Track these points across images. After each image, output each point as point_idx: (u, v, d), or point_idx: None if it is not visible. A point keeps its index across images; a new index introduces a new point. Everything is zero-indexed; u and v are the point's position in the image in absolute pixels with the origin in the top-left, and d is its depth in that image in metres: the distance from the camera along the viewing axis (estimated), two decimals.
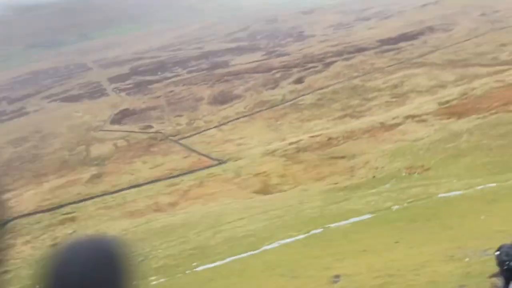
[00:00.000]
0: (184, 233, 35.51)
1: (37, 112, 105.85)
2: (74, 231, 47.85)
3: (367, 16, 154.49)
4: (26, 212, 55.16)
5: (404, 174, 39.62)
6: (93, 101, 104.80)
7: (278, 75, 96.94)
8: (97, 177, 62.67)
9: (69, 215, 53.05)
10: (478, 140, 42.60)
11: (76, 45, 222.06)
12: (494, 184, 25.88)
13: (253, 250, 22.88)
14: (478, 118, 49.42)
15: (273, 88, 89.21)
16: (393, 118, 59.25)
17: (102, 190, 57.73)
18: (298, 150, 56.97)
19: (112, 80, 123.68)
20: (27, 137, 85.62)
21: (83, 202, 55.47)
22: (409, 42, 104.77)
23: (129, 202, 52.44)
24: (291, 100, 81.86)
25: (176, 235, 35.44)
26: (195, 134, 73.71)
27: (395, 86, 76.80)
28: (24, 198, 60.16)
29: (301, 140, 60.79)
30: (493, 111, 50.07)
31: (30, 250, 44.95)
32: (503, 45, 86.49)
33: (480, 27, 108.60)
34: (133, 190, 56.35)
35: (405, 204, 25.69)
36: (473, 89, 63.18)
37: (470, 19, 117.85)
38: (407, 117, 58.19)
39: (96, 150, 72.60)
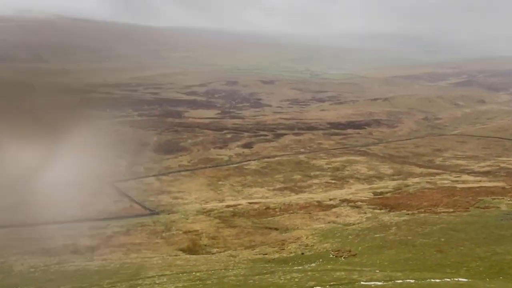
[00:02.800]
0: (98, 281, 33.04)
1: None
2: None
3: (322, 98, 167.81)
4: None
5: (331, 255, 39.75)
6: None
7: (228, 135, 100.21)
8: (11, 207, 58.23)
9: None
10: (404, 235, 42.98)
11: (29, 64, 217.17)
12: (412, 281, 26.20)
13: None
14: (408, 214, 51.39)
15: (221, 148, 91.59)
16: (330, 199, 61.38)
17: (20, 220, 54.34)
18: (234, 214, 57.50)
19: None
20: None
21: None
22: (356, 130, 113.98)
23: (46, 237, 49.36)
24: (236, 163, 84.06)
25: (88, 281, 33.12)
26: (132, 179, 72.69)
27: (337, 169, 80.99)
28: None
29: (239, 204, 61.82)
30: (421, 210, 52.24)
31: None
32: (439, 150, 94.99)
33: (421, 129, 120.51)
34: (54, 226, 53.52)
35: (327, 287, 25.78)
36: (407, 185, 67.39)
37: (413, 121, 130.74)
38: (343, 200, 60.28)
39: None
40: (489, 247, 36.91)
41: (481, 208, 49.32)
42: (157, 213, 58.81)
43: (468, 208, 49.62)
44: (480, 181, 67.61)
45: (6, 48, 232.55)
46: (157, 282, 30.87)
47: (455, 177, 71.77)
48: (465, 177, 72.19)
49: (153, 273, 34.31)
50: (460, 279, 27.02)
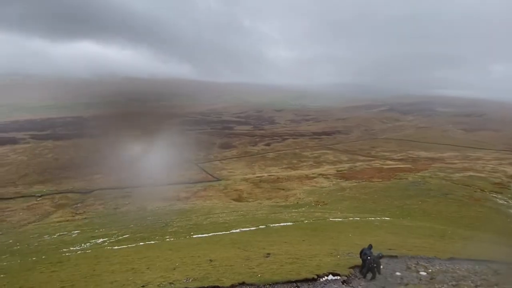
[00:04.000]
0: (189, 215, 37.19)
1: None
2: (129, 203, 49.31)
3: (308, 119, 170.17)
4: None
5: (313, 204, 41.12)
6: (213, 135, 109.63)
7: (257, 139, 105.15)
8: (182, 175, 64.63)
9: (126, 193, 53.68)
10: (354, 193, 44.93)
11: (154, 103, 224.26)
12: (358, 218, 27.54)
13: (226, 231, 23.13)
14: (356, 182, 53.36)
15: (253, 146, 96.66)
16: (312, 174, 63.94)
17: (150, 182, 58.72)
18: (260, 181, 60.96)
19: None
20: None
21: (138, 188, 56.08)
22: (327, 136, 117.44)
23: (161, 192, 54.19)
24: (261, 154, 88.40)
25: (185, 215, 36.94)
26: (207, 162, 78.99)
27: (316, 157, 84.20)
28: (98, 181, 62.28)
29: (263, 176, 65.66)
30: (364, 180, 54.36)
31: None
32: (373, 147, 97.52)
33: (363, 136, 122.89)
34: (165, 186, 58.09)
35: (311, 220, 25.96)
36: (355, 166, 69.13)
37: (359, 131, 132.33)
38: (320, 174, 62.64)
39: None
40: (402, 200, 39.36)
41: (397, 179, 50.73)
42: (220, 180, 62.58)
43: (390, 179, 51.17)
44: (397, 164, 68.67)
45: (143, 93, 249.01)
46: (221, 216, 34.78)
47: (382, 162, 72.67)
48: (388, 162, 72.97)
49: (218, 211, 38.72)
50: (385, 218, 29.56)
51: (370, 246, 9.47)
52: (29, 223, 40.70)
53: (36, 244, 32.07)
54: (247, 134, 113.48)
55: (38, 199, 50.61)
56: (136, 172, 64.07)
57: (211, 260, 12.00)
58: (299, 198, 45.19)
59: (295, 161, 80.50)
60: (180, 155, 79.05)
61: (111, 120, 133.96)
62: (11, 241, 34.80)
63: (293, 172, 68.10)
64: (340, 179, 56.08)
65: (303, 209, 37.38)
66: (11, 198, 50.58)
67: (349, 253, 12.54)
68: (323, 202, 42.09)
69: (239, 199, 50.29)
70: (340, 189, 48.50)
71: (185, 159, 76.93)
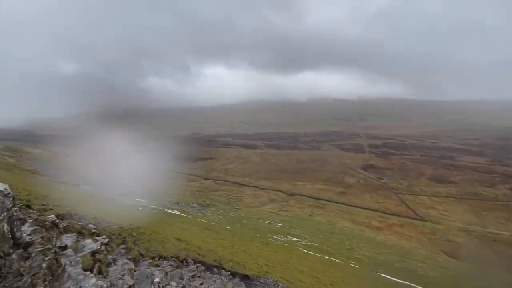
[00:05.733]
0: (379, 248, 35.71)
1: (326, 150, 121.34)
2: (321, 214, 54.01)
3: None
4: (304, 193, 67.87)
5: None
6: (355, 153, 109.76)
7: (497, 178, 75.65)
8: (343, 193, 68.27)
9: (320, 204, 59.32)
10: None
11: (356, 122, 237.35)
12: None
13: None
14: None
15: (488, 187, 70.65)
16: None
17: (343, 200, 62.77)
18: (495, 240, 46.19)
19: (370, 146, 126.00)
20: (317, 160, 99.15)
21: (331, 203, 61.15)
22: None
23: (353, 213, 55.00)
24: (502, 201, 63.08)
25: (374, 247, 35.77)
26: (409, 194, 68.95)
27: None
28: (300, 187, 72.93)
29: (501, 234, 48.22)
30: None
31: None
32: None
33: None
34: (358, 209, 58.54)
35: None
36: None
37: None
38: None
39: (347, 179, 78.04)
40: None
41: None
42: (425, 220, 53.87)
43: None
44: None
45: (348, 113, 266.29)
46: (420, 266, 31.07)
47: None
48: None
49: (417, 258, 34.23)
50: None
51: None
52: (254, 206, 56.00)
53: (255, 224, 43.55)
54: (479, 169, 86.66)
55: (261, 190, 68.48)
56: (331, 187, 69.83)
57: None
58: None
59: None
60: (377, 180, 77.75)
61: (316, 137, 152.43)
62: (242, 215, 49.84)
63: None
64: None
65: None
66: (246, 186, 72.59)
67: None
68: None
69: (452, 254, 41.72)
70: None
71: (382, 185, 73.83)
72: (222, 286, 11.70)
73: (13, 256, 5.17)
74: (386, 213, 56.23)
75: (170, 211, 44.04)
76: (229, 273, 13.30)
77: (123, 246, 11.23)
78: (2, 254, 4.82)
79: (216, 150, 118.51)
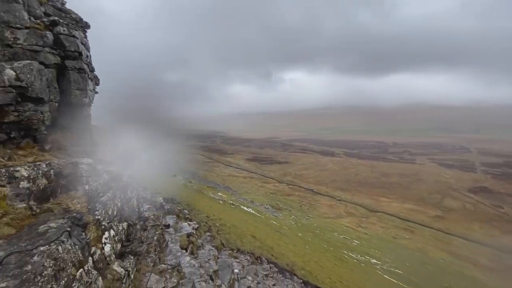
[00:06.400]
0: None
1: (421, 164, 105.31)
2: (409, 238, 47.44)
3: None
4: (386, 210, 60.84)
5: None
6: (462, 171, 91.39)
7: None
8: (440, 217, 58.04)
9: (408, 227, 52.24)
10: None
11: (465, 134, 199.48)
12: None
13: None
14: None
15: None
16: None
17: (439, 227, 53.11)
18: None
19: (484, 164, 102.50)
20: (407, 175, 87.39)
21: (423, 227, 52.56)
22: None
23: (452, 244, 45.94)
24: None
25: None
26: None
27: None
28: (383, 204, 63.85)
29: None
30: None
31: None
32: None
33: None
34: (460, 239, 48.67)
35: None
36: None
37: None
38: None
39: (447, 202, 65.18)
40: None
41: None
42: None
43: None
44: None
45: (452, 123, 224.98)
46: None
47: None
48: None
49: None
50: None
51: None
52: (328, 217, 53.49)
53: (328, 236, 41.62)
54: None
55: (337, 202, 64.64)
56: (424, 208, 60.91)
57: None
58: None
59: None
60: (493, 208, 63.41)
61: (408, 148, 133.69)
62: (315, 224, 48.36)
63: None
64: None
65: None
66: (321, 194, 69.85)
67: None
68: None
69: None
70: None
71: (500, 215, 59.87)
72: None
73: (137, 226, 6.67)
74: (503, 252, 45.07)
75: (245, 208, 46.93)
76: (301, 281, 13.17)
77: (209, 233, 12.73)
78: (132, 223, 6.30)
79: (291, 155, 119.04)
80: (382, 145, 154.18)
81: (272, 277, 11.85)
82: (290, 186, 76.90)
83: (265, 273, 11.69)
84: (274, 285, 11.12)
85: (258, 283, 9.86)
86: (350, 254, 34.16)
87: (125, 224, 5.84)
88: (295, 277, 13.31)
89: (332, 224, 50.15)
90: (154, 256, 6.53)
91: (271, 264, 13.01)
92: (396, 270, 30.99)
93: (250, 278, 9.80)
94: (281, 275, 12.71)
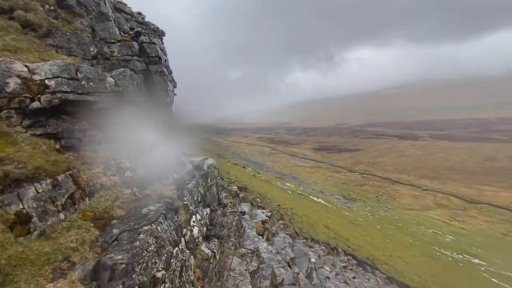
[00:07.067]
0: None
1: None
2: (506, 232, 41.67)
3: None
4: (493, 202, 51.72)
5: None
6: None
7: None
8: None
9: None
10: None
11: None
12: None
13: None
14: None
15: None
16: None
17: None
18: None
19: None
20: None
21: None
22: None
23: None
24: None
25: None
26: None
27: None
28: (488, 194, 53.01)
29: None
30: None
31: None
32: None
33: None
34: None
35: None
36: None
37: None
38: None
39: None
40: None
41: None
42: None
43: None
44: None
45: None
46: None
47: None
48: None
49: None
50: None
51: None
52: (411, 209, 47.61)
53: (413, 229, 37.14)
54: None
55: (423, 192, 56.76)
56: None
57: None
58: None
59: None
60: None
61: None
62: (396, 217, 43.80)
63: None
64: None
65: None
66: (402, 183, 62.41)
67: None
68: None
69: None
70: None
71: None
72: (377, 287, 10.82)
73: (218, 212, 7.19)
74: None
75: (315, 198, 45.98)
76: (384, 276, 12.08)
77: (282, 222, 12.89)
78: (213, 209, 6.82)
79: (363, 141, 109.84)
80: (484, 122, 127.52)
81: (351, 269, 11.22)
82: (364, 175, 71.43)
83: (343, 264, 11.15)
84: (354, 278, 10.49)
85: (337, 274, 9.45)
86: (443, 251, 29.64)
87: (208, 210, 6.35)
88: (378, 271, 12.28)
89: (417, 216, 44.48)
90: (234, 240, 6.91)
91: (348, 256, 12.33)
92: (509, 274, 25.48)
93: (327, 268, 9.48)
94: (361, 268, 11.92)
